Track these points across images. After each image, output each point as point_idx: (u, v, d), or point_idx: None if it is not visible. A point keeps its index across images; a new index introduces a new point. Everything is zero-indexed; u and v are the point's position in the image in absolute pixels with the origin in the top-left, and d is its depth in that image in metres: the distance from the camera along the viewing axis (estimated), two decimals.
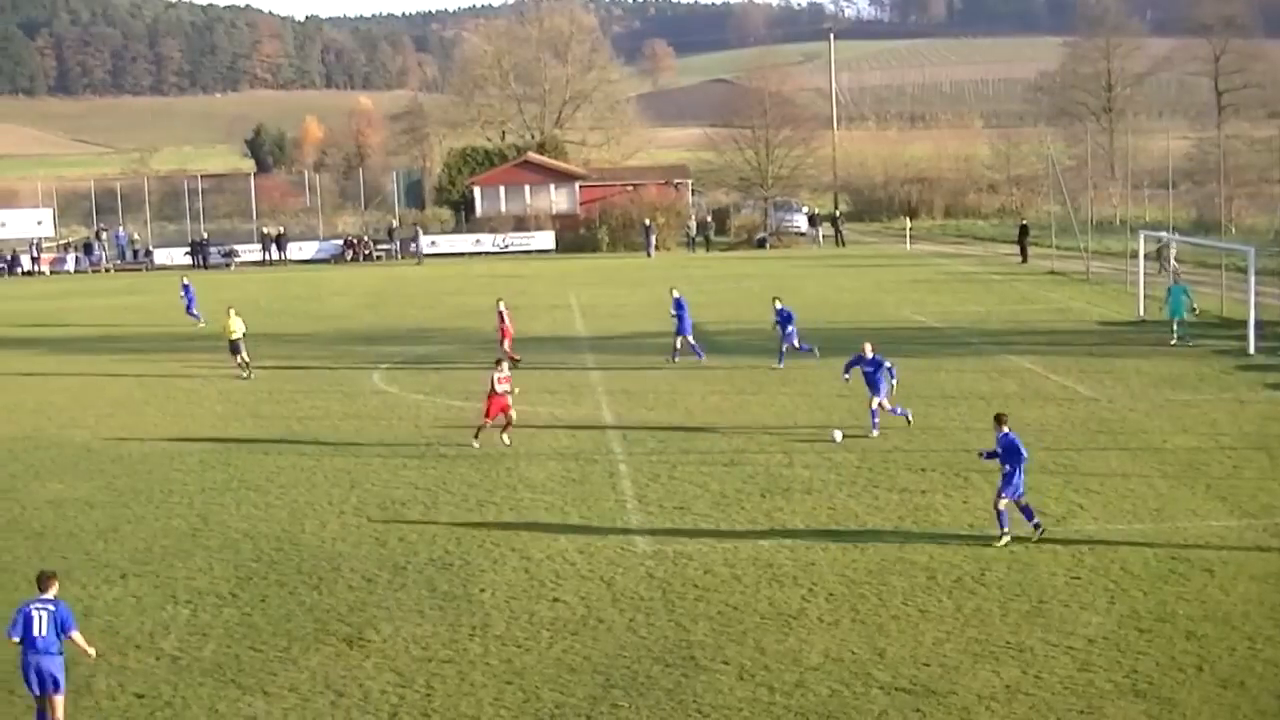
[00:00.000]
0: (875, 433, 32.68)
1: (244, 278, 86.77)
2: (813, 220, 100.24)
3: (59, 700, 17.27)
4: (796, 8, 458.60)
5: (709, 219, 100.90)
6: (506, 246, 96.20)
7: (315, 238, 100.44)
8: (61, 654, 17.25)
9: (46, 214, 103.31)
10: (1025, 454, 24.24)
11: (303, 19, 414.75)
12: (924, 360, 43.13)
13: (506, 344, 45.35)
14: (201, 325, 56.99)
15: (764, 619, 20.84)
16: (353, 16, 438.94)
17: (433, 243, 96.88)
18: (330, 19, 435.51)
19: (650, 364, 44.53)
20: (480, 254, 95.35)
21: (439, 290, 72.48)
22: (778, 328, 43.61)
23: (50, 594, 17.58)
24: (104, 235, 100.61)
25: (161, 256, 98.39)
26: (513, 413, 33.01)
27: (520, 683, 18.68)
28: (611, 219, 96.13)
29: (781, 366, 42.93)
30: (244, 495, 29.32)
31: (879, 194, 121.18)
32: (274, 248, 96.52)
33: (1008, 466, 24.11)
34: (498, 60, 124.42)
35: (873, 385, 32.89)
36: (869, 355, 33.28)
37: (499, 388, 32.71)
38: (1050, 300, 60.18)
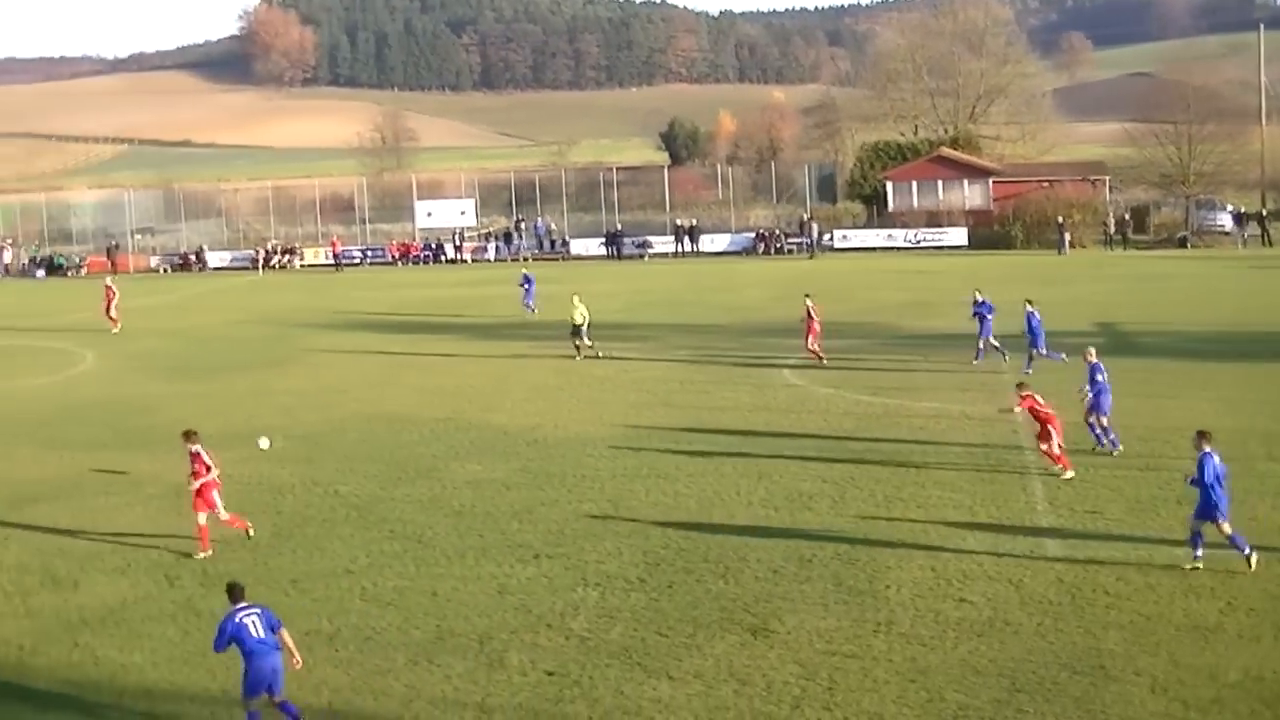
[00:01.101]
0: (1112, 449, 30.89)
1: (657, 269, 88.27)
2: (1239, 219, 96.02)
3: (281, 694, 17.41)
4: None
5: (1127, 217, 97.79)
6: (919, 242, 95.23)
7: (727, 230, 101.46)
8: (280, 649, 17.47)
9: (469, 204, 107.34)
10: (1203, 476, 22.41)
11: (716, 14, 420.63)
12: None
13: (812, 342, 45.03)
14: (534, 315, 58.93)
15: (1179, 631, 20.05)
16: (766, 11, 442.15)
17: (844, 237, 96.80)
18: (744, 13, 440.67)
19: (1055, 365, 43.34)
20: (891, 249, 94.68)
21: (850, 285, 72.22)
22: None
23: (248, 601, 17.84)
24: (523, 225, 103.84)
25: (577, 246, 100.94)
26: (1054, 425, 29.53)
27: (924, 681, 18.44)
28: (1025, 216, 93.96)
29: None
30: (654, 483, 29.79)
31: None
32: (686, 239, 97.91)
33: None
34: (911, 54, 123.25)
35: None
36: (1091, 360, 31.71)
37: (1029, 406, 29.52)
38: None
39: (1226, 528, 22.51)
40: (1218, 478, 22.49)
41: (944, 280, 71.95)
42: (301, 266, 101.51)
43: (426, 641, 20.61)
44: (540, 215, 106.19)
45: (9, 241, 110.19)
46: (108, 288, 62.71)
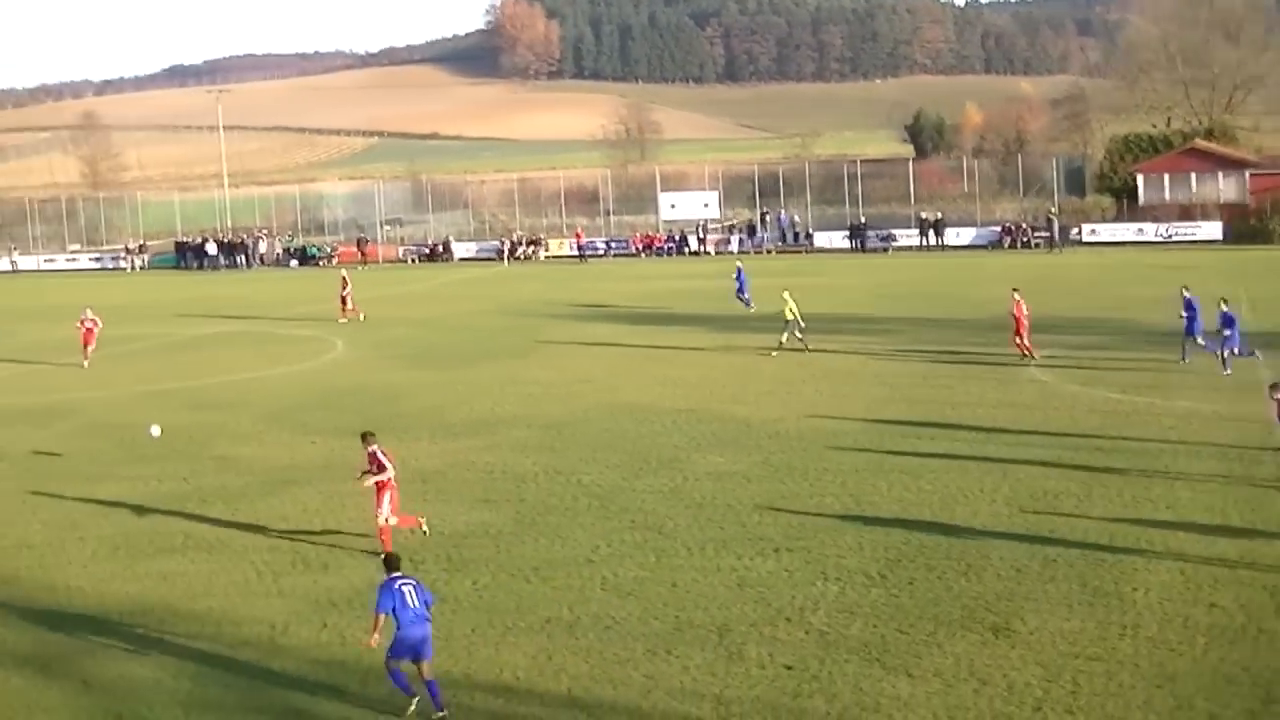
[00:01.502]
0: None
1: (900, 262, 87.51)
2: None
3: (427, 665, 18.22)
4: None
5: None
6: (1170, 236, 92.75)
7: (972, 224, 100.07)
8: (429, 621, 18.39)
9: (713, 197, 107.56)
10: None
11: (963, 4, 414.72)
12: None
13: (1022, 338, 44.02)
14: (752, 310, 57.74)
15: None
16: (1014, 1, 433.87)
17: (1093, 231, 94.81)
18: (990, 3, 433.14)
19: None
20: (1142, 244, 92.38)
21: (1097, 279, 70.73)
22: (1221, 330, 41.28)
23: (403, 573, 18.89)
24: (767, 217, 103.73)
25: (821, 239, 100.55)
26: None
27: (1171, 688, 17.94)
28: None
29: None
30: (896, 478, 29.52)
31: None
32: (931, 233, 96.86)
33: None
34: (1164, 43, 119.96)
35: None
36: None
37: None
38: None
39: None
40: None
41: (1196, 276, 69.86)
42: (546, 258, 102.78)
43: (665, 632, 20.70)
44: (784, 208, 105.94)
45: (264, 232, 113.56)
46: (343, 278, 64.15)
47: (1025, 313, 44.61)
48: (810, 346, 47.28)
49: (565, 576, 23.62)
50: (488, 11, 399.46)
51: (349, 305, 62.78)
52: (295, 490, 30.64)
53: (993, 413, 36.18)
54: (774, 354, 46.79)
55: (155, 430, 33.96)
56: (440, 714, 17.91)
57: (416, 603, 18.39)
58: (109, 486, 31.69)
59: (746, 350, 48.86)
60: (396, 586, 18.47)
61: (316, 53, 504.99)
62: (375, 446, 26.07)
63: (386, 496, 25.82)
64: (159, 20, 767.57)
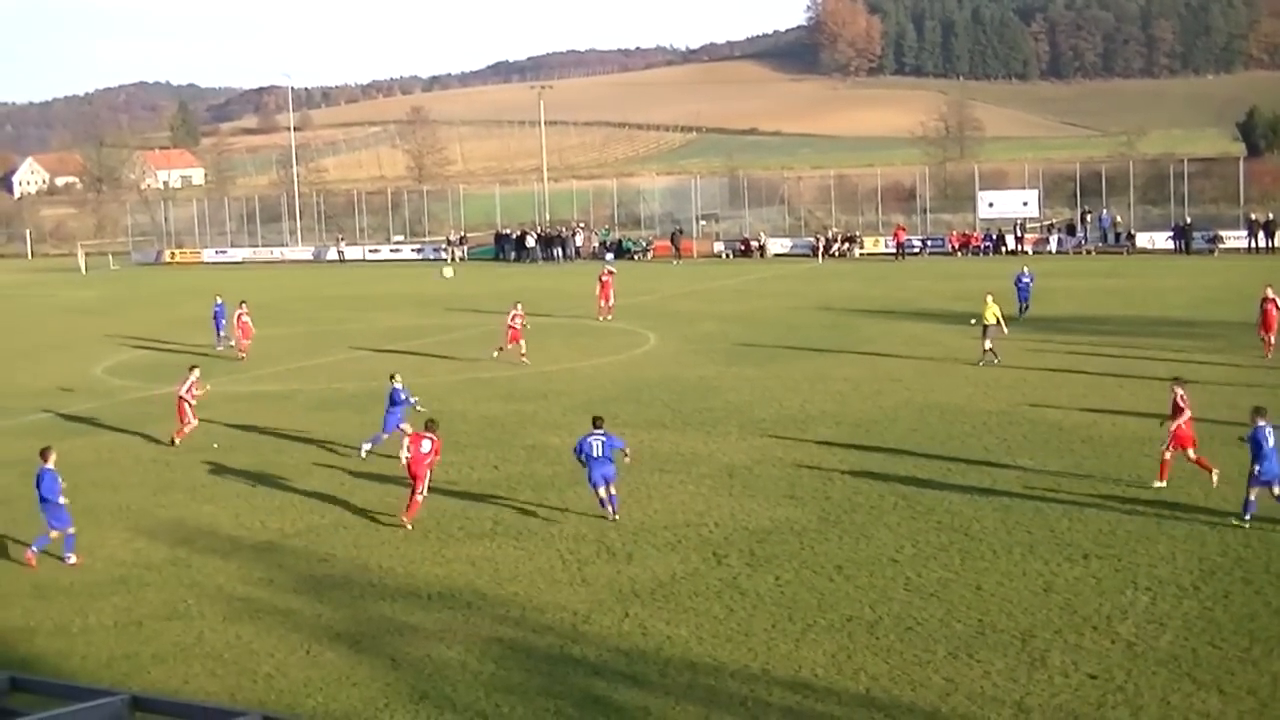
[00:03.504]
0: None
1: (1227, 264, 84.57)
2: None
3: (611, 488, 27.57)
4: None
5: None
6: None
7: None
8: (613, 462, 27.56)
9: (1032, 195, 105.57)
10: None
11: None
12: None
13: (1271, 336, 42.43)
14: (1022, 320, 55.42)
15: None
16: None
17: None
18: None
19: None
20: None
21: None
22: None
23: (602, 429, 27.87)
24: (1088, 217, 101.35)
25: (1143, 240, 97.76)
26: None
27: None
28: None
29: None
30: (1213, 487, 28.47)
31: None
32: (1261, 234, 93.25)
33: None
34: None
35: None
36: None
37: None
38: None
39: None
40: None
41: None
42: (861, 255, 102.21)
43: (967, 635, 20.42)
44: (1105, 207, 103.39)
45: (581, 225, 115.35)
46: (603, 282, 63.57)
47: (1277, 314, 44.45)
48: (997, 359, 45.77)
49: (868, 576, 23.48)
50: (809, 7, 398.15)
51: (610, 304, 62.70)
52: None
53: None
54: (996, 360, 45.37)
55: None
56: (614, 518, 27.56)
57: (601, 453, 27.42)
58: None
59: (1059, 352, 47.80)
60: (590, 439, 27.56)
61: (638, 49, 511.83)
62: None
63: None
64: (486, 18, 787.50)
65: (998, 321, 46.64)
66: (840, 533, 26.22)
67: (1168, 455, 28.87)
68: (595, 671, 19.68)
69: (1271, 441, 25.39)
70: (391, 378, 35.10)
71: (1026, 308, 57.58)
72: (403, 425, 33.10)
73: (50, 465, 26.68)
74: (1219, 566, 23.20)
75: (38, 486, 26.44)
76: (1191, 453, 28.67)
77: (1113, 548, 24.50)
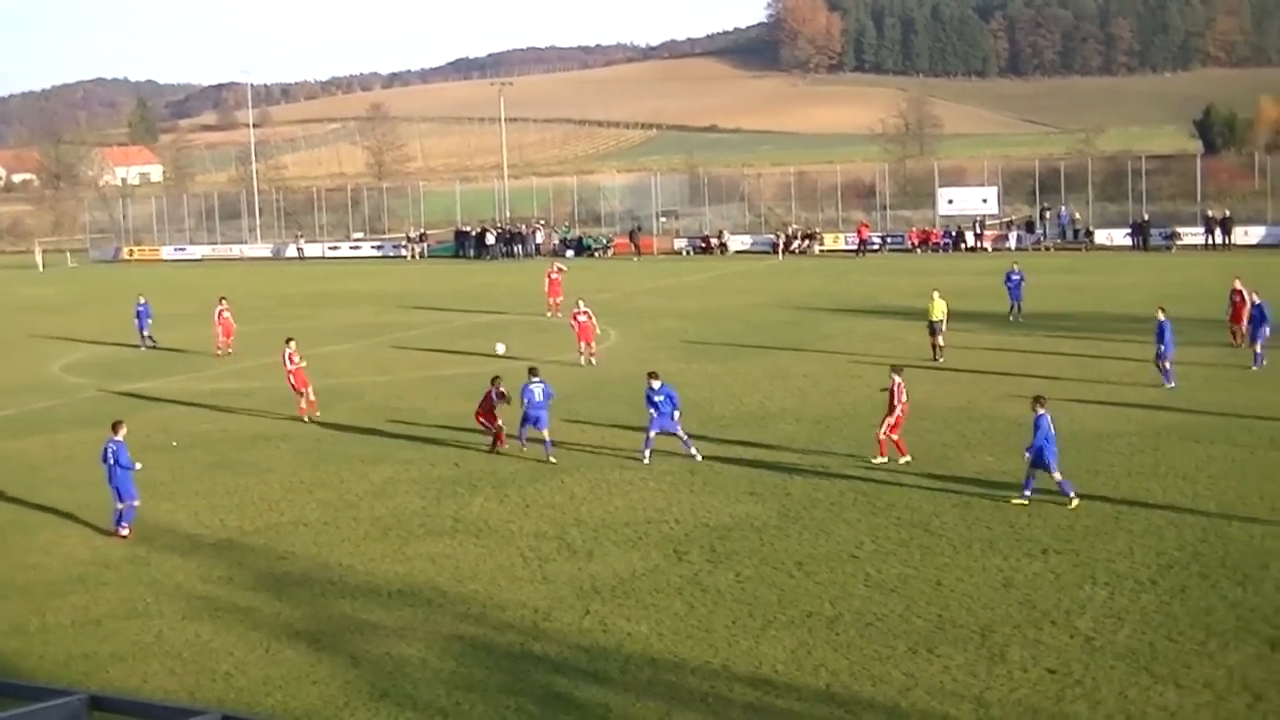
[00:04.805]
0: None
1: (1184, 260, 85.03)
2: None
3: (545, 431, 32.77)
4: None
5: None
6: None
7: (1263, 222, 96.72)
8: (547, 410, 32.81)
9: (991, 192, 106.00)
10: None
11: None
12: None
13: (1241, 328, 42.90)
14: (1020, 321, 55.64)
15: None
16: None
17: None
18: None
19: None
20: None
21: None
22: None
23: (539, 377, 33.30)
24: (1046, 214, 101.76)
25: (1101, 237, 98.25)
26: None
27: None
28: None
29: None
30: (1171, 482, 28.77)
31: None
32: (1218, 231, 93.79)
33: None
34: None
35: None
36: None
37: None
38: None
39: None
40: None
41: None
42: (821, 252, 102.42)
43: (927, 631, 20.50)
44: (1064, 204, 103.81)
45: (541, 223, 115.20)
46: (552, 280, 63.30)
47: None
48: (942, 361, 46.01)
49: (828, 571, 23.55)
50: (769, 5, 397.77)
51: (557, 300, 62.15)
52: (563, 477, 31.11)
53: (1278, 417, 34.89)
54: (940, 361, 45.70)
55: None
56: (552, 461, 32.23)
57: (540, 398, 32.80)
58: (383, 469, 32.63)
59: (1019, 351, 48.02)
60: (529, 385, 33.00)
61: (599, 46, 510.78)
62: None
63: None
64: (446, 15, 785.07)
65: (943, 317, 46.73)
66: (800, 529, 26.27)
67: (881, 436, 31.25)
68: (556, 668, 19.68)
69: (1051, 428, 27.16)
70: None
71: (1018, 307, 56.54)
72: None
73: (120, 437, 27.76)
74: (1176, 561, 23.34)
75: (115, 460, 27.35)
76: (895, 435, 31.03)
77: (1071, 543, 24.63)
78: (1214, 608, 21.03)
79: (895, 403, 31.14)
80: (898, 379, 31.60)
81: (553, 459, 32.37)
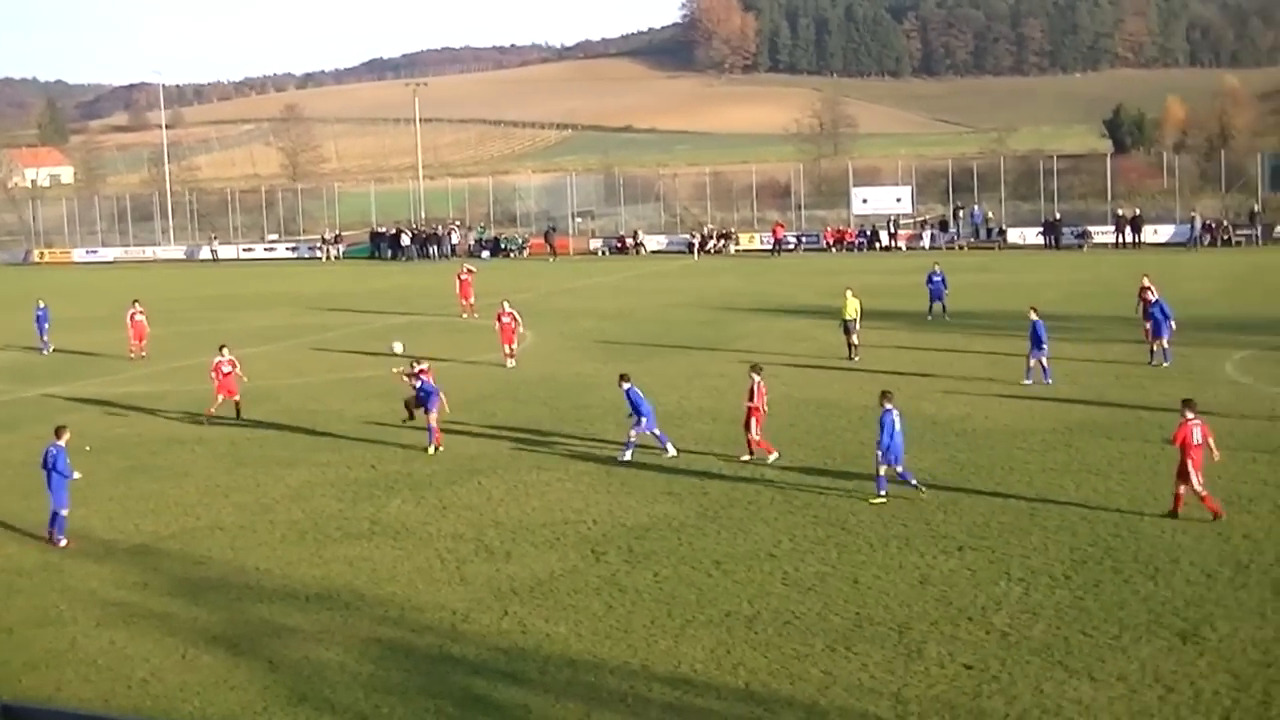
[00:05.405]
0: None
1: (1095, 259, 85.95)
2: None
3: (432, 415, 33.77)
4: None
5: None
6: None
7: (1171, 220, 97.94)
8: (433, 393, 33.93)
9: (905, 191, 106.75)
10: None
11: None
12: None
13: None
14: (947, 320, 55.98)
15: None
16: None
17: None
18: None
19: None
20: None
21: None
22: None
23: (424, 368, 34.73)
24: (960, 213, 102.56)
25: (1014, 235, 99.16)
26: None
27: None
28: None
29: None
30: (1084, 478, 29.07)
31: None
32: (1128, 229, 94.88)
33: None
34: None
35: None
36: None
37: None
38: None
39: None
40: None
41: None
42: (736, 251, 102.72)
43: (845, 628, 20.61)
44: (977, 203, 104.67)
45: (456, 224, 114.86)
46: (463, 281, 63.57)
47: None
48: (857, 359, 46.35)
49: (746, 570, 23.62)
50: (684, 5, 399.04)
51: (472, 302, 62.69)
52: (481, 479, 31.03)
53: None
54: (856, 359, 46.04)
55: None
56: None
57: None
58: (299, 472, 32.43)
59: (935, 350, 48.37)
60: (431, 384, 34.53)
61: (514, 46, 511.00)
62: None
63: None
64: (360, 15, 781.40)
65: (856, 316, 46.93)
66: (718, 528, 26.34)
67: (755, 436, 32.01)
68: (475, 670, 19.63)
69: (898, 424, 27.71)
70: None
71: (943, 307, 56.58)
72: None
73: (62, 443, 27.42)
74: (1090, 556, 23.59)
75: (52, 465, 27.06)
76: (756, 434, 31.84)
77: (987, 539, 24.84)
78: (1127, 602, 21.27)
79: (755, 401, 31.84)
80: (757, 378, 32.20)
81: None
